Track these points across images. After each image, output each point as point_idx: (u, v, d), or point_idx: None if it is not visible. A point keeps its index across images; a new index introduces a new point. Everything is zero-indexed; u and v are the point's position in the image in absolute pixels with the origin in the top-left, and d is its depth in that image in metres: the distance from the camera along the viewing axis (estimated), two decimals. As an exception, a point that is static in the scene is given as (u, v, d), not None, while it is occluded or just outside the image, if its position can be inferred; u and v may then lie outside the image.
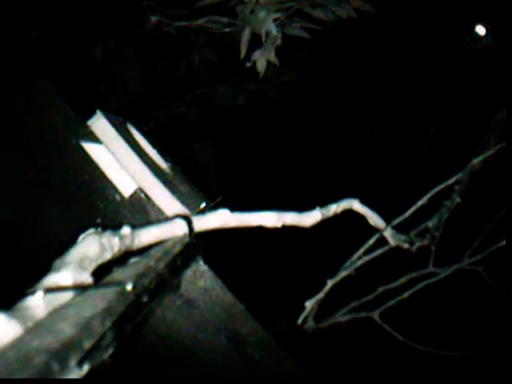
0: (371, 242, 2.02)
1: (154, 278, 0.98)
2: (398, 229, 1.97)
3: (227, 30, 2.65)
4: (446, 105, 4.33)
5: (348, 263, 2.07)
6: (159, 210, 1.54)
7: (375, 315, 2.20)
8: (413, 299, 2.19)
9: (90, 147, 1.53)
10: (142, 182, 1.56)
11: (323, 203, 1.64)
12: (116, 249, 1.05)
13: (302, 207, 1.56)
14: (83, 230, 1.04)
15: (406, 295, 2.18)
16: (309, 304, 2.03)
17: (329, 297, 2.06)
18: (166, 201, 1.54)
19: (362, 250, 2.06)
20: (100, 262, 1.00)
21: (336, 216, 1.67)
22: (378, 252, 2.03)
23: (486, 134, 2.28)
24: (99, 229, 1.05)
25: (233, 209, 1.36)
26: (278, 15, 2.48)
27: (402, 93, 4.35)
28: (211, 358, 1.48)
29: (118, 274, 0.98)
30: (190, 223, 1.27)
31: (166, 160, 1.85)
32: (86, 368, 0.65)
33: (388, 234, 1.90)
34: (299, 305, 2.06)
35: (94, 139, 1.56)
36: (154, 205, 1.54)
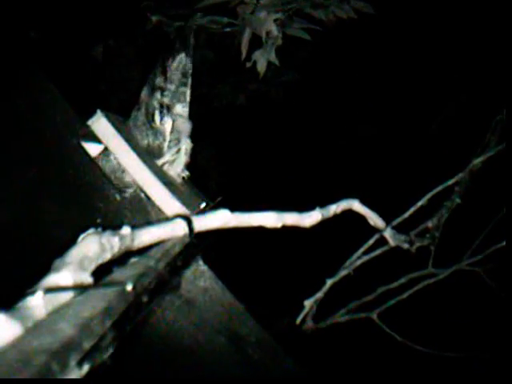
0: (371, 242, 2.02)
1: (153, 278, 0.98)
2: (398, 229, 1.97)
3: (228, 30, 2.65)
4: (446, 105, 4.33)
5: (347, 263, 2.07)
6: (159, 210, 1.54)
7: (374, 315, 2.20)
8: (412, 300, 2.19)
9: (90, 147, 1.53)
10: (142, 181, 1.56)
11: (323, 203, 1.64)
12: (116, 249, 1.05)
13: (302, 207, 1.56)
14: (83, 230, 1.04)
15: (405, 296, 2.18)
16: (308, 303, 2.03)
17: (328, 297, 2.06)
18: (166, 201, 1.55)
19: (361, 250, 2.06)
20: (100, 262, 1.00)
21: (336, 216, 1.67)
22: (378, 252, 2.04)
23: (486, 135, 2.28)
24: (99, 229, 1.06)
25: (233, 209, 1.36)
26: (278, 16, 2.48)
27: (403, 93, 4.35)
28: (211, 358, 1.48)
29: (118, 273, 0.98)
30: (190, 223, 1.27)
31: (166, 160, 1.85)
32: (85, 368, 0.65)
33: (388, 234, 1.91)
34: (298, 304, 2.06)
35: (94, 139, 1.56)
36: (153, 205, 1.54)
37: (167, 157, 1.73)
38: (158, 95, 1.76)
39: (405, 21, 4.10)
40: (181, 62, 1.85)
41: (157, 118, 1.73)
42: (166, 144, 1.73)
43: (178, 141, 1.77)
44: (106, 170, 1.54)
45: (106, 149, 1.56)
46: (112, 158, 1.56)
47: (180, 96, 1.82)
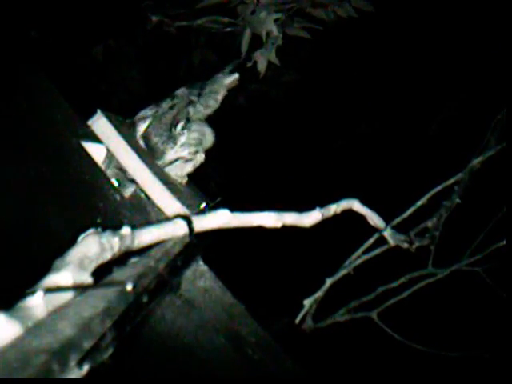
0: (371, 241, 2.02)
1: (153, 278, 0.98)
2: (398, 229, 1.97)
3: (228, 30, 2.66)
4: (446, 105, 4.33)
5: (347, 262, 2.08)
6: (159, 210, 1.54)
7: (374, 315, 2.20)
8: (412, 299, 2.19)
9: (90, 147, 1.53)
10: (142, 181, 1.56)
11: (323, 203, 1.64)
12: (116, 249, 1.05)
13: (302, 207, 1.56)
14: (83, 230, 1.04)
15: (405, 295, 2.18)
16: (307, 303, 2.03)
17: (328, 296, 2.06)
18: (166, 201, 1.55)
19: (361, 250, 2.06)
20: (100, 262, 1.00)
21: (336, 216, 1.67)
22: (378, 251, 2.04)
23: (486, 135, 2.28)
24: (99, 229, 1.06)
25: (233, 209, 1.36)
26: (278, 15, 2.48)
27: (403, 93, 4.35)
28: (211, 358, 1.48)
29: (118, 273, 0.98)
30: (190, 223, 1.27)
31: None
32: (85, 368, 0.65)
33: (387, 233, 1.91)
34: (298, 304, 2.06)
35: (94, 139, 1.56)
36: (153, 205, 1.54)
37: (184, 153, 1.74)
38: (189, 108, 1.79)
39: (405, 20, 4.10)
40: (217, 88, 1.88)
41: (179, 127, 1.74)
42: (170, 152, 1.74)
43: (200, 142, 1.78)
44: (106, 170, 1.55)
45: (107, 149, 1.56)
46: (112, 158, 1.56)
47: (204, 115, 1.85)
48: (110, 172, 1.56)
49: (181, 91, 1.84)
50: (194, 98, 1.82)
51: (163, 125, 1.74)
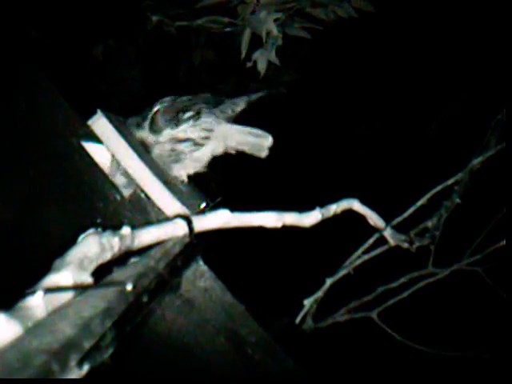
0: (371, 241, 2.02)
1: (153, 278, 0.98)
2: (398, 228, 1.97)
3: (228, 30, 2.66)
4: (446, 105, 4.33)
5: (347, 262, 2.08)
6: (159, 210, 1.54)
7: (374, 315, 2.20)
8: (412, 299, 2.19)
9: (90, 147, 1.53)
10: (142, 181, 1.56)
11: (323, 203, 1.64)
12: (116, 249, 1.05)
13: (302, 207, 1.56)
14: (83, 229, 1.04)
15: (405, 295, 2.18)
16: (307, 303, 2.03)
17: (328, 296, 2.06)
18: (166, 201, 1.55)
19: (361, 250, 2.06)
20: (100, 262, 1.00)
21: (336, 216, 1.67)
22: (378, 251, 2.04)
23: (486, 135, 2.28)
24: (99, 229, 1.06)
25: (233, 209, 1.36)
26: (278, 15, 2.49)
27: (403, 93, 4.35)
28: (211, 359, 1.48)
29: (118, 274, 0.99)
30: (190, 223, 1.27)
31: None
32: (85, 368, 0.65)
33: (388, 233, 1.91)
34: (298, 304, 2.06)
35: (95, 139, 1.56)
36: (153, 205, 1.54)
37: (195, 135, 1.74)
38: (204, 106, 1.80)
39: (405, 20, 4.10)
40: (238, 101, 1.90)
41: (187, 115, 1.74)
42: (169, 131, 1.74)
43: (211, 130, 1.78)
44: (106, 170, 1.55)
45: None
46: (113, 158, 1.56)
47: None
48: (118, 170, 1.56)
49: (204, 94, 1.86)
50: (218, 104, 1.84)
51: (173, 108, 1.75)
